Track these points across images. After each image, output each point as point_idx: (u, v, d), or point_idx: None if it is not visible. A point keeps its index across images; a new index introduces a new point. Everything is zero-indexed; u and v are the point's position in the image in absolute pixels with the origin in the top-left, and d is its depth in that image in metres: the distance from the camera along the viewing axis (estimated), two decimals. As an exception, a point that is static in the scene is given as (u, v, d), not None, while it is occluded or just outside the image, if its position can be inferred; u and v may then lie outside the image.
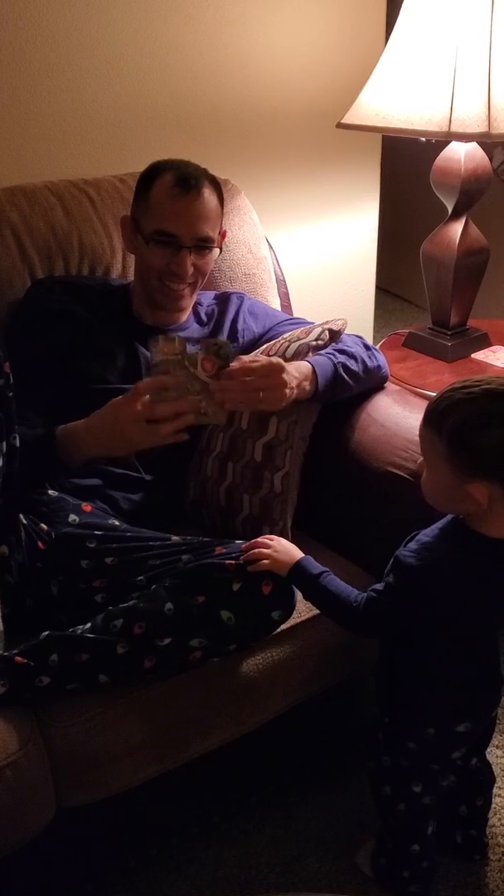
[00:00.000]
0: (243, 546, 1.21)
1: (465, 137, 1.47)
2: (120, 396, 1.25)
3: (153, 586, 1.19)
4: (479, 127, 1.42)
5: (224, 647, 1.17)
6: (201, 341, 1.24)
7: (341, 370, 1.38)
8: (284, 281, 1.82)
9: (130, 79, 1.76)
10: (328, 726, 1.50)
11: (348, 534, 1.42)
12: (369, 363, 1.45)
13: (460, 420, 1.01)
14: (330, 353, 1.39)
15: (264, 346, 1.50)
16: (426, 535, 1.11)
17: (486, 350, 1.85)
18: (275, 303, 1.75)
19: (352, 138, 1.84)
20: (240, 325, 1.57)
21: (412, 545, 1.10)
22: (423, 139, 1.51)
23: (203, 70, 1.85)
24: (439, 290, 1.77)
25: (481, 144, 1.62)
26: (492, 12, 1.43)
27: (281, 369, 1.26)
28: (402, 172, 2.27)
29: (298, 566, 1.17)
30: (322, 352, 1.39)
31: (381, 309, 2.95)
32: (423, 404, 1.47)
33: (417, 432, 1.38)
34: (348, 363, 1.39)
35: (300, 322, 1.59)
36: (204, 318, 1.57)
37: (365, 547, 1.38)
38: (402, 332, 1.95)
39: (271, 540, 1.22)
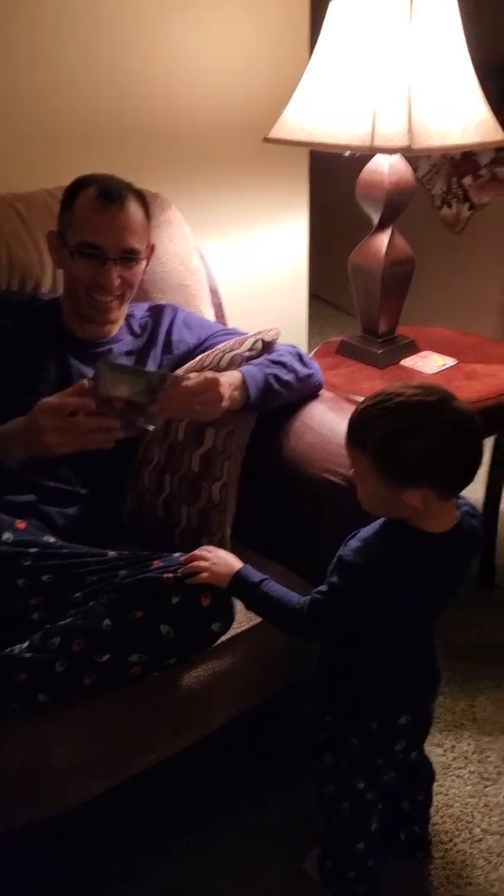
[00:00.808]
0: (181, 559, 1.21)
1: (387, 151, 1.50)
2: (48, 400, 1.27)
3: (91, 603, 1.18)
4: (400, 141, 1.45)
5: (164, 661, 1.17)
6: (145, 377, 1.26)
7: (272, 380, 1.40)
8: (218, 292, 1.83)
9: (61, 93, 1.75)
10: (274, 733, 1.51)
11: (286, 541, 1.44)
12: (301, 372, 1.47)
13: (382, 436, 1.04)
14: (261, 363, 1.41)
15: (199, 357, 1.51)
16: (366, 532, 1.13)
17: (414, 356, 1.89)
18: (209, 313, 1.76)
19: (280, 150, 1.86)
20: (174, 337, 1.57)
21: (353, 543, 1.12)
22: (347, 153, 1.54)
23: (133, 84, 1.86)
24: (368, 299, 1.81)
25: (406, 156, 1.66)
26: (410, 26, 1.47)
27: (217, 383, 1.28)
28: (334, 180, 2.30)
29: (238, 576, 1.18)
30: (254, 362, 1.41)
31: (316, 316, 2.99)
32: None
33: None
34: (279, 373, 1.41)
35: (234, 333, 1.60)
36: (137, 330, 1.57)
37: (303, 554, 1.39)
38: (334, 339, 1.98)
39: (209, 551, 1.22)
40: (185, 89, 1.95)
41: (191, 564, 1.19)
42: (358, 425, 1.08)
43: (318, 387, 1.55)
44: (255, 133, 1.71)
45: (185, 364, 1.52)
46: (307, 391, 1.52)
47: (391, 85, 1.47)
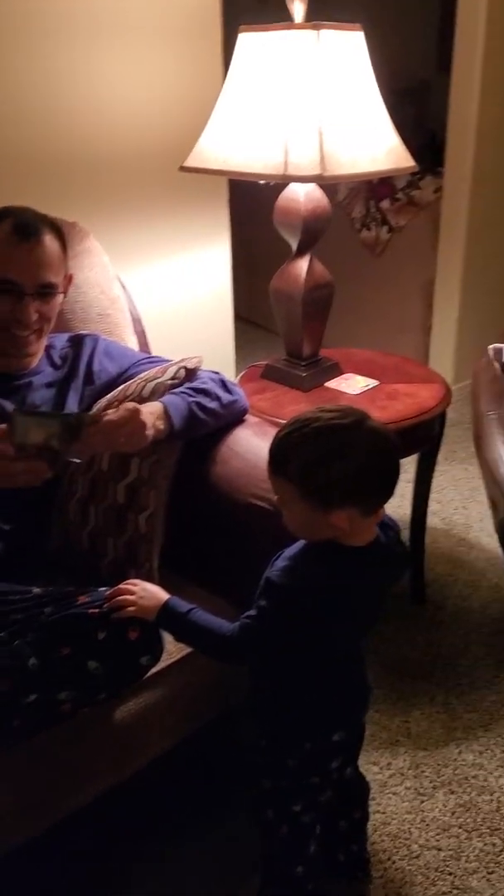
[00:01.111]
0: (106, 594, 1.19)
1: (300, 179, 1.53)
2: None
3: (16, 642, 1.15)
4: (313, 170, 1.48)
5: (94, 696, 1.15)
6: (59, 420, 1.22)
7: (196, 408, 1.40)
8: (140, 320, 1.83)
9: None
10: (208, 763, 1.50)
11: (215, 568, 1.44)
12: (225, 399, 1.48)
13: (303, 463, 1.05)
14: (184, 392, 1.41)
15: (121, 386, 1.50)
16: (291, 551, 1.13)
17: (338, 378, 1.92)
18: (131, 342, 1.76)
19: (199, 179, 1.88)
20: (95, 367, 1.56)
21: (279, 563, 1.12)
22: (262, 182, 1.57)
23: (49, 115, 1.86)
24: (290, 323, 1.83)
25: (321, 184, 1.69)
26: (317, 60, 1.51)
27: (138, 412, 1.27)
28: (258, 203, 2.34)
29: (166, 608, 1.16)
30: (176, 391, 1.41)
31: (245, 339, 3.02)
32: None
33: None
34: (203, 400, 1.42)
35: (157, 360, 1.60)
36: (58, 361, 1.55)
37: (232, 580, 1.39)
38: (259, 364, 2.00)
39: (135, 584, 1.21)
40: (104, 119, 1.96)
41: (116, 599, 1.17)
42: (278, 453, 1.09)
43: (243, 412, 1.56)
44: (174, 162, 1.73)
45: (107, 393, 1.51)
46: (232, 417, 1.53)
47: (302, 116, 1.50)
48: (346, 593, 1.11)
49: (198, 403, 1.41)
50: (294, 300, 1.79)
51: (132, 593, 1.18)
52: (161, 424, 1.34)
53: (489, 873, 1.40)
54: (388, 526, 1.17)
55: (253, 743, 1.24)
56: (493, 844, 1.45)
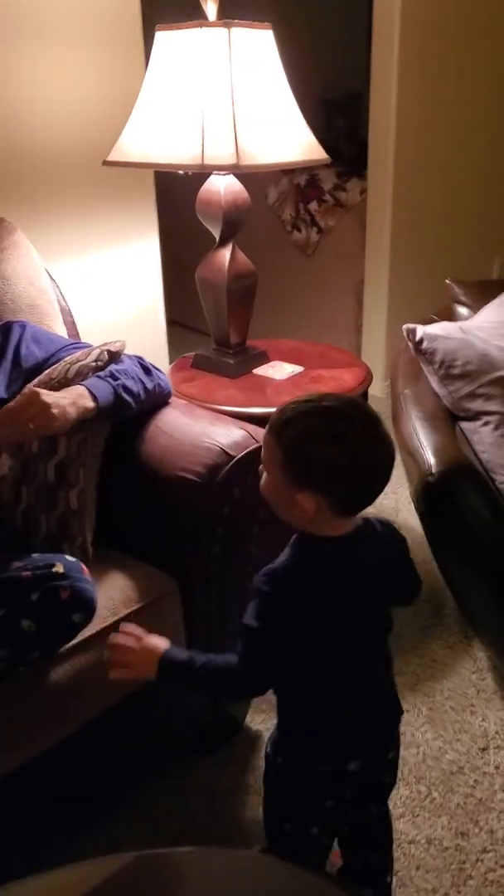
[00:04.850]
0: (108, 642, 1.13)
1: (217, 169, 1.62)
2: None
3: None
4: (229, 160, 1.57)
5: (27, 654, 1.20)
6: None
7: (120, 389, 1.45)
8: (70, 311, 1.88)
9: None
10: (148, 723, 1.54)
11: (149, 539, 1.49)
12: (148, 383, 1.54)
13: (296, 433, 1.03)
14: (106, 374, 1.46)
15: (48, 370, 1.55)
16: (271, 566, 1.09)
17: (265, 365, 2.00)
18: (61, 331, 1.80)
19: (124, 174, 1.95)
20: (22, 351, 1.60)
21: (262, 571, 1.09)
22: (182, 172, 1.64)
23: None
24: (217, 311, 1.91)
25: (238, 177, 1.78)
26: (230, 59, 1.59)
27: (35, 394, 1.31)
28: (183, 209, 2.42)
29: (163, 663, 1.09)
30: (100, 374, 1.46)
31: (176, 339, 3.07)
32: (209, 415, 1.60)
33: (203, 439, 1.49)
34: (127, 383, 1.47)
35: (82, 346, 1.65)
36: (-12, 348, 1.60)
37: (167, 551, 1.46)
38: (189, 354, 2.07)
39: (138, 639, 1.12)
40: (27, 115, 2.01)
41: (115, 659, 1.12)
42: (281, 418, 1.06)
43: (167, 396, 1.61)
44: (100, 158, 1.79)
45: (35, 378, 1.56)
46: (156, 400, 1.58)
47: (217, 110, 1.58)
48: (330, 581, 1.08)
49: (123, 385, 1.46)
50: (219, 289, 1.86)
51: (132, 652, 1.11)
52: (87, 403, 1.38)
53: (414, 816, 1.48)
54: (378, 521, 1.13)
55: (269, 759, 1.20)
56: (419, 791, 1.53)
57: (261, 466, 1.11)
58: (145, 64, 2.17)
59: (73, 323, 1.88)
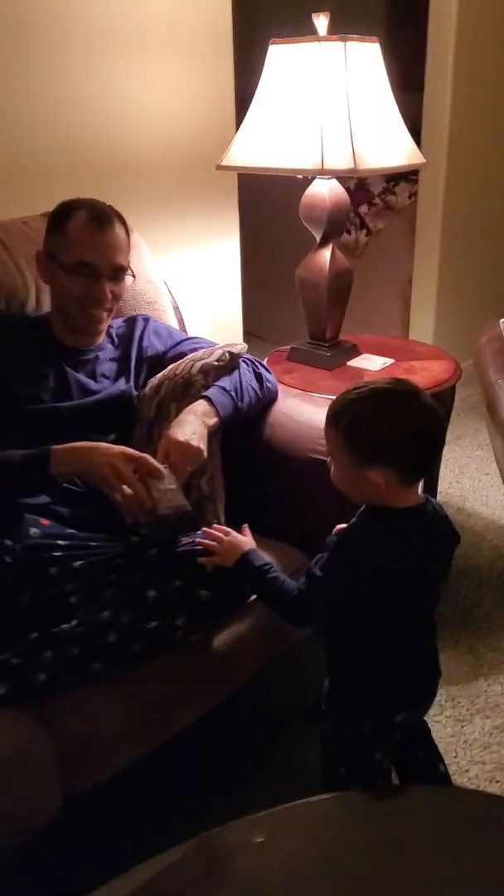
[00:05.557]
0: (202, 531, 1.33)
1: (337, 174, 1.73)
2: (122, 450, 1.39)
3: (131, 576, 1.29)
4: (347, 165, 1.67)
5: (203, 623, 1.30)
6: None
7: (239, 403, 1.56)
8: (179, 308, 1.99)
9: (22, 133, 1.89)
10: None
11: (279, 518, 1.59)
12: (259, 392, 1.64)
13: (351, 420, 1.15)
14: (231, 390, 1.56)
15: (171, 365, 1.66)
16: (347, 525, 1.23)
17: (358, 358, 2.11)
18: (175, 327, 1.91)
19: (211, 182, 2.04)
20: (145, 343, 1.72)
21: (340, 531, 1.22)
22: (300, 176, 1.75)
23: (84, 124, 2.02)
24: (315, 308, 2.02)
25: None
26: (346, 72, 1.70)
27: (180, 443, 1.41)
28: (254, 226, 2.53)
29: (242, 560, 1.26)
30: (224, 386, 1.55)
31: (252, 350, 3.19)
32: (325, 402, 1.70)
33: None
34: (245, 397, 1.58)
35: (198, 340, 1.77)
36: (116, 340, 1.71)
37: (295, 526, 1.57)
38: (281, 349, 2.17)
39: (226, 534, 1.32)
40: (132, 127, 2.13)
41: (205, 543, 1.31)
42: (336, 406, 1.18)
43: (274, 397, 1.71)
44: (189, 163, 1.89)
45: (155, 368, 1.68)
46: (264, 403, 1.68)
47: (334, 119, 1.69)
48: (400, 552, 1.18)
49: (241, 399, 1.57)
50: (319, 287, 1.97)
51: (220, 541, 1.30)
52: (212, 420, 1.49)
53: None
54: (430, 499, 1.24)
55: (324, 711, 1.31)
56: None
57: (328, 459, 1.24)
58: (234, 76, 2.30)
59: (182, 319, 1.99)
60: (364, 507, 1.23)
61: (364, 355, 2.12)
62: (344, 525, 1.24)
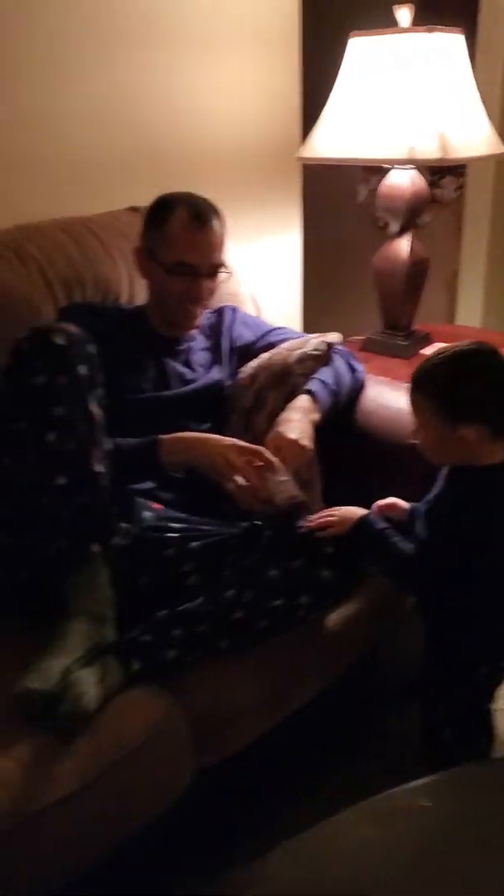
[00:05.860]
0: (312, 517, 1.36)
1: (425, 162, 1.75)
2: (234, 442, 1.45)
3: (252, 558, 1.32)
4: (434, 154, 1.70)
5: (324, 602, 1.33)
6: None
7: (336, 397, 1.60)
8: (256, 298, 2.02)
9: (97, 131, 1.93)
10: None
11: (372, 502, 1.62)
12: (352, 384, 1.68)
13: (439, 379, 1.20)
14: (332, 385, 1.60)
15: (266, 354, 1.69)
16: (435, 490, 1.29)
17: (429, 347, 2.13)
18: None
19: (276, 175, 2.04)
20: (234, 333, 1.76)
21: (433, 500, 1.28)
22: (386, 166, 1.78)
23: (154, 121, 2.06)
24: (392, 297, 2.04)
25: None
26: (429, 63, 1.73)
27: (290, 441, 1.45)
28: (322, 237, 2.54)
29: (363, 523, 1.30)
30: (326, 381, 1.59)
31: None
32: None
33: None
34: (342, 391, 1.62)
35: (284, 330, 1.80)
36: (207, 330, 1.75)
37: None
38: (354, 338, 2.20)
39: (336, 511, 1.36)
40: (201, 124, 2.16)
41: (320, 520, 1.35)
42: (420, 372, 1.23)
43: (361, 388, 1.74)
44: (256, 155, 1.90)
45: (246, 356, 1.72)
46: (353, 395, 1.71)
47: (422, 109, 1.72)
48: (490, 506, 1.22)
49: (339, 394, 1.61)
50: (396, 277, 2.00)
51: (333, 514, 1.35)
52: (315, 416, 1.53)
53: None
54: None
55: (426, 674, 1.35)
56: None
57: (412, 430, 1.28)
58: (300, 69, 2.33)
59: (259, 310, 2.02)
60: (448, 470, 1.27)
61: (436, 344, 2.14)
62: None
